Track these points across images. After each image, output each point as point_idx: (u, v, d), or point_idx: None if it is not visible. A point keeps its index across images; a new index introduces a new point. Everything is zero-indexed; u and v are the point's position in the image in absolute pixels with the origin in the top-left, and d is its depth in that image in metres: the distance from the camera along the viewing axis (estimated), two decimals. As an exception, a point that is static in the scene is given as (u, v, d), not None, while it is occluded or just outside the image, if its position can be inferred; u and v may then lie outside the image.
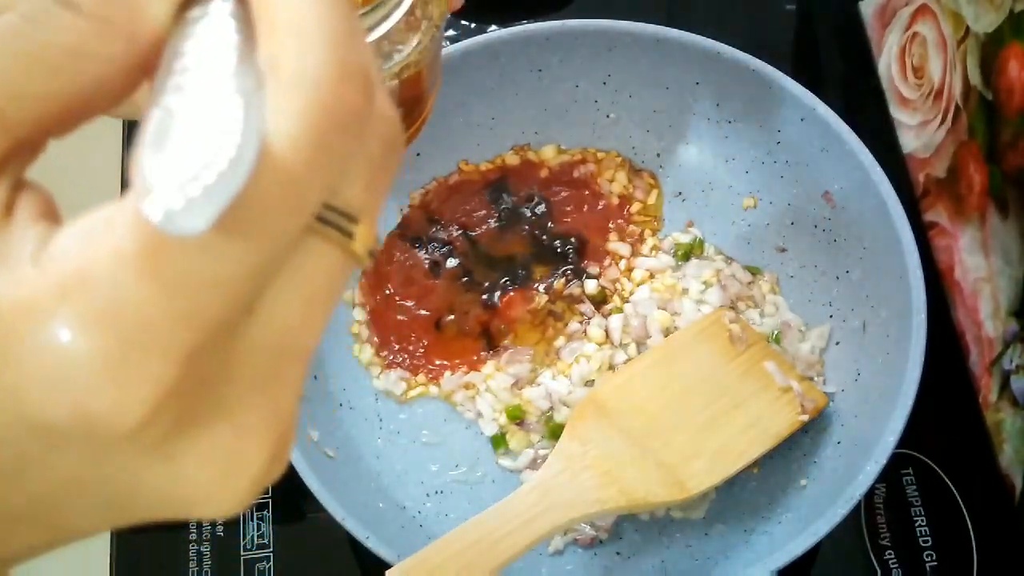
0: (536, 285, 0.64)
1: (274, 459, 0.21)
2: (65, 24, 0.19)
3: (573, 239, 0.65)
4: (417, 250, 0.65)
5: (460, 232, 0.66)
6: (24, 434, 0.19)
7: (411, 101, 0.44)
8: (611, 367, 0.60)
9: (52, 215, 0.20)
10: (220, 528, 0.61)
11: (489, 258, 0.65)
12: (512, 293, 0.64)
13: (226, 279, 0.18)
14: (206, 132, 0.17)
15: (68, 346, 0.18)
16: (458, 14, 0.78)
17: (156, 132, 0.17)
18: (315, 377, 0.61)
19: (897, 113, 0.70)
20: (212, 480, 0.20)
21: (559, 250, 0.65)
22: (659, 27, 0.64)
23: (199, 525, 0.61)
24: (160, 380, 0.18)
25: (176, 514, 0.21)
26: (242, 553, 0.60)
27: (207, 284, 0.18)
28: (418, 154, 0.66)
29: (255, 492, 0.21)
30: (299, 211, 0.18)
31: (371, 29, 0.35)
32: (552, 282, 0.64)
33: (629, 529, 0.58)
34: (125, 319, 0.17)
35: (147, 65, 0.20)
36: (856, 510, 0.52)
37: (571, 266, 0.65)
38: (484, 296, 0.64)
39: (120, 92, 0.20)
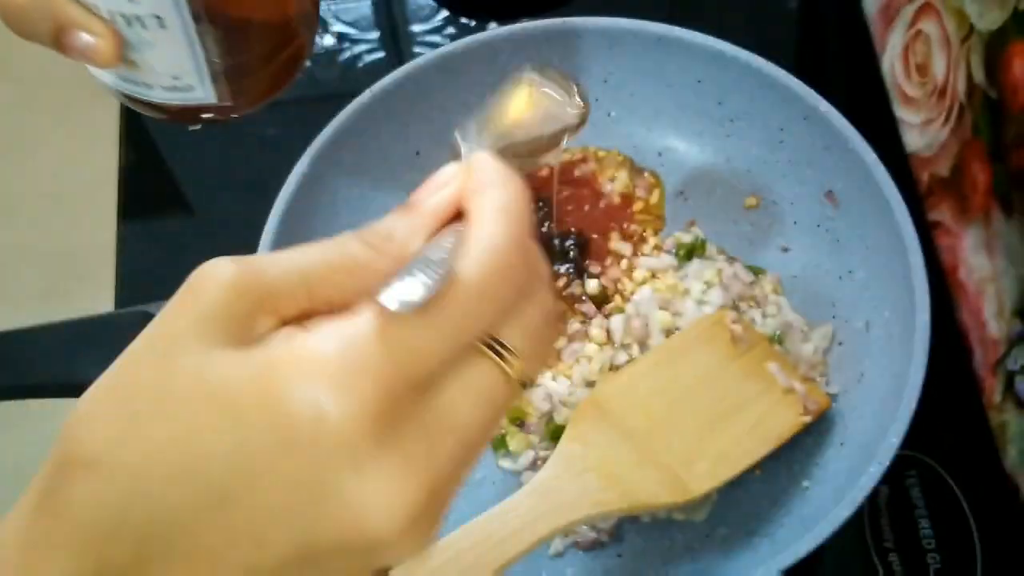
0: (536, 285, 0.64)
1: (424, 514, 0.27)
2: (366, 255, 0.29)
3: (574, 238, 0.65)
4: (417, 250, 0.65)
5: (460, 232, 0.65)
6: (269, 434, 0.26)
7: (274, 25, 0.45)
8: (612, 368, 0.60)
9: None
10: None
11: (489, 258, 0.65)
12: (512, 293, 0.63)
13: (419, 349, 0.27)
14: (424, 270, 0.27)
15: (323, 364, 0.26)
16: (457, 12, 0.78)
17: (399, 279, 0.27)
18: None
19: (900, 112, 0.70)
20: (382, 494, 0.26)
21: (560, 249, 0.65)
22: (661, 25, 0.64)
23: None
24: (374, 397, 0.26)
25: (351, 532, 0.26)
26: (240, 555, 0.59)
27: (410, 350, 0.27)
28: (417, 153, 0.66)
29: (412, 523, 0.26)
30: (468, 322, 0.27)
31: None
32: (553, 282, 0.64)
33: (630, 531, 0.57)
34: (360, 358, 0.26)
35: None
36: (859, 512, 0.51)
37: (572, 265, 0.64)
38: (484, 296, 0.64)
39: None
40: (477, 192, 0.30)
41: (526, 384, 0.29)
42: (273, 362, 0.26)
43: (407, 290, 0.26)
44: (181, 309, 0.28)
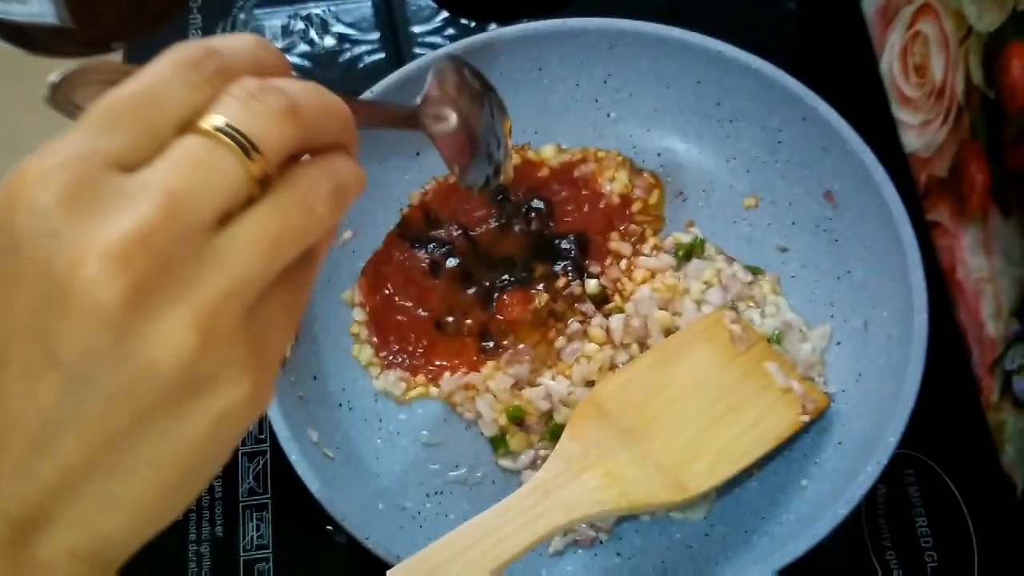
0: (537, 285, 0.64)
1: (132, 266, 0.29)
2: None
3: (574, 238, 0.65)
4: (416, 250, 0.65)
5: (460, 232, 0.65)
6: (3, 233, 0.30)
7: None
8: (612, 367, 0.60)
9: None
10: (219, 529, 0.61)
11: (489, 258, 0.65)
12: (512, 293, 0.64)
13: (110, 131, 0.31)
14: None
15: (29, 160, 0.30)
16: (457, 13, 0.78)
17: None
18: (314, 377, 0.60)
19: (899, 112, 0.70)
20: (76, 241, 0.28)
21: (560, 250, 0.65)
22: (660, 26, 0.64)
23: (199, 525, 0.61)
24: (66, 169, 0.29)
25: (57, 277, 0.29)
26: (241, 554, 0.60)
27: (99, 133, 0.30)
28: (417, 153, 0.66)
29: (118, 262, 0.28)
30: (149, 108, 0.31)
31: None
32: (553, 282, 0.64)
33: (629, 530, 0.58)
34: (57, 146, 0.30)
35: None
36: (857, 511, 0.52)
37: (572, 265, 0.64)
38: (484, 296, 0.64)
39: None
40: None
41: (245, 142, 0.31)
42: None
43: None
44: None
